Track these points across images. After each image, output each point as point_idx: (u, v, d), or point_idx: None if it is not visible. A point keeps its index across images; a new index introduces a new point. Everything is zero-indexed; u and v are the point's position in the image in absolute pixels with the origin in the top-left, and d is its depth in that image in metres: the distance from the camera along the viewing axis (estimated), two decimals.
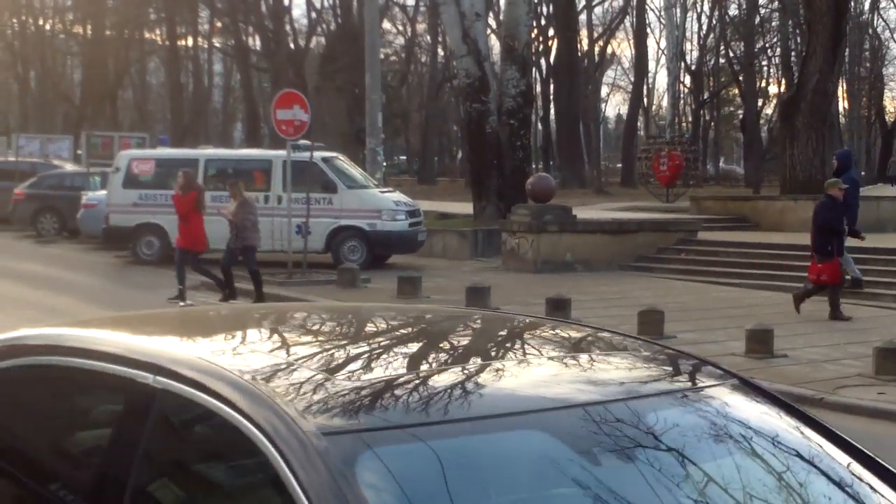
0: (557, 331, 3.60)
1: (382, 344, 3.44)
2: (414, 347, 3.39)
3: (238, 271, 17.40)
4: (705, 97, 70.46)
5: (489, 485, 2.46)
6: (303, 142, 20.76)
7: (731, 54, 66.28)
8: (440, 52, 67.22)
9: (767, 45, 65.27)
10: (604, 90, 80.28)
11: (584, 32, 65.10)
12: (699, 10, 69.56)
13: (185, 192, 17.52)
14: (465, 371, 2.95)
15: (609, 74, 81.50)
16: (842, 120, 67.50)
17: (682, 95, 69.19)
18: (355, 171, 23.71)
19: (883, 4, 67.29)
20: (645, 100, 72.94)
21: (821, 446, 2.90)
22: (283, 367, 2.90)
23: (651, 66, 74.50)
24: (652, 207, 33.76)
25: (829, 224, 15.46)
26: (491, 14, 48.68)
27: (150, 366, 2.85)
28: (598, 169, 62.15)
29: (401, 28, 73.66)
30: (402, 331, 3.68)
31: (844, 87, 62.83)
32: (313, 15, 64.55)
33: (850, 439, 2.99)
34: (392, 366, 3.06)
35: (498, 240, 22.77)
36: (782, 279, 18.73)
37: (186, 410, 2.74)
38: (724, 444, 2.79)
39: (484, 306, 15.15)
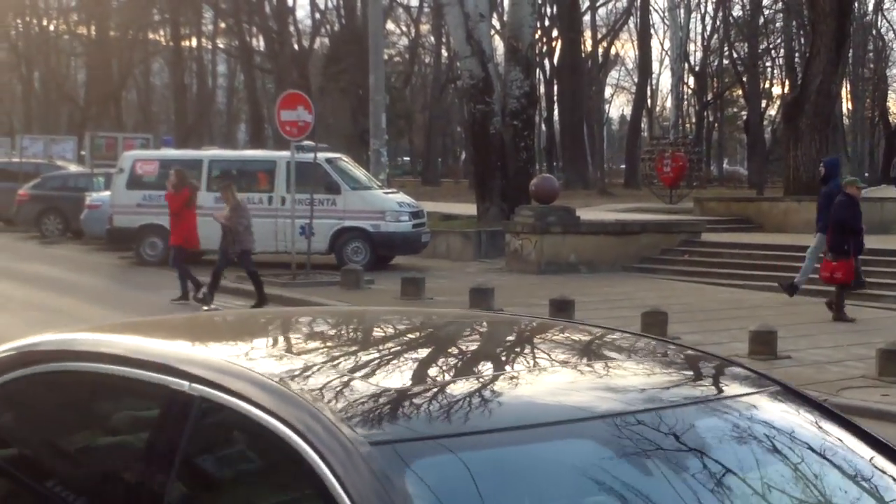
0: (589, 336, 3.55)
1: (417, 349, 3.40)
2: (449, 354, 3.33)
3: (234, 272, 17.38)
4: (709, 98, 70.44)
5: (538, 496, 2.40)
6: (307, 143, 20.76)
7: (735, 55, 66.26)
8: (444, 53, 67.23)
9: (771, 46, 65.28)
10: (607, 91, 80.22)
11: (587, 33, 65.00)
12: (703, 11, 69.63)
13: (178, 189, 17.65)
14: (505, 378, 2.90)
15: (613, 75, 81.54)
16: (845, 121, 67.48)
17: (685, 96, 69.11)
18: (359, 173, 23.72)
19: (887, 5, 67.28)
20: (648, 101, 72.92)
21: (870, 457, 2.83)
22: (320, 373, 2.85)
23: (655, 67, 74.54)
24: (655, 209, 33.77)
25: (846, 223, 15.40)
26: (495, 15, 48.68)
27: (186, 372, 2.80)
28: (601, 170, 62.12)
29: (405, 29, 73.68)
30: (435, 336, 3.63)
31: (848, 89, 62.77)
32: (317, 16, 64.64)
33: None
34: (431, 373, 3.02)
35: (501, 241, 22.76)
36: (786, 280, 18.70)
37: (225, 418, 2.69)
38: (769, 452, 2.73)
39: (488, 308, 15.16)
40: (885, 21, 70.56)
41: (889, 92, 72.56)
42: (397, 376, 2.90)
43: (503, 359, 3.27)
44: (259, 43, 61.49)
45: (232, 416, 2.62)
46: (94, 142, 38.96)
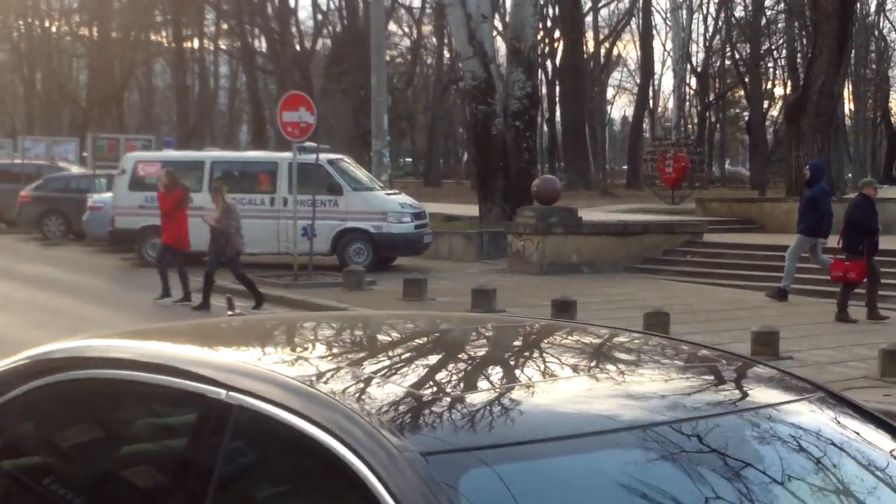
0: (632, 341, 3.49)
1: (453, 356, 3.32)
2: (485, 361, 3.26)
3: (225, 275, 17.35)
4: (711, 99, 70.44)
5: None
6: (309, 144, 20.77)
7: (737, 56, 66.24)
8: (446, 53, 67.26)
9: (773, 46, 65.24)
10: (609, 92, 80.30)
11: (589, 34, 65.05)
12: (705, 11, 69.66)
13: (170, 190, 17.67)
14: (551, 385, 2.84)
15: (615, 76, 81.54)
16: (847, 122, 67.42)
17: (687, 97, 69.17)
18: (361, 174, 23.72)
19: (889, 6, 67.40)
20: (651, 102, 72.93)
21: None
22: (357, 379, 2.79)
23: (657, 67, 74.68)
24: (657, 209, 33.79)
25: (863, 223, 15.40)
26: (497, 16, 48.69)
27: (222, 381, 2.70)
28: (603, 171, 62.11)
29: (407, 30, 73.78)
30: (467, 343, 3.54)
31: (850, 89, 62.70)
32: (319, 17, 64.73)
33: None
34: (469, 378, 2.96)
35: (503, 242, 22.77)
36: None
37: (264, 427, 2.58)
38: (817, 464, 2.63)
39: (490, 308, 15.17)
40: (887, 22, 70.66)
41: (891, 92, 72.51)
42: (435, 384, 2.82)
43: (544, 366, 3.16)
44: (261, 44, 61.56)
45: (272, 426, 2.54)
46: (96, 143, 38.95)
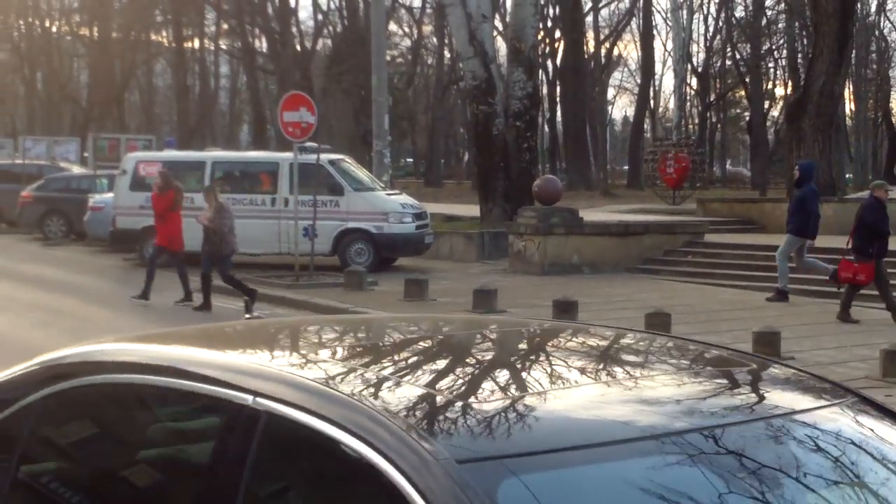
0: (663, 344, 3.43)
1: (480, 358, 3.29)
2: (515, 364, 3.22)
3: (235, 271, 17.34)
4: (712, 99, 70.43)
5: None
6: (309, 144, 20.77)
7: (738, 56, 66.22)
8: (447, 54, 67.26)
9: (774, 47, 65.22)
10: (610, 92, 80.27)
11: (590, 34, 65.09)
12: (706, 12, 69.65)
13: (163, 191, 17.68)
14: (577, 392, 2.81)
15: (616, 76, 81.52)
16: (848, 122, 67.39)
17: (688, 97, 69.14)
18: (362, 174, 23.72)
19: (890, 6, 67.40)
20: (651, 102, 72.91)
21: None
22: (389, 385, 2.74)
23: (658, 68, 74.78)
24: (658, 210, 33.80)
25: (873, 225, 15.37)
26: (497, 16, 48.69)
27: (248, 387, 2.65)
28: (604, 171, 62.14)
29: (407, 30, 73.77)
30: (493, 347, 3.53)
31: (851, 89, 62.64)
32: (320, 17, 64.73)
33: None
34: (499, 383, 2.92)
35: (504, 242, 22.77)
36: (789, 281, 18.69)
37: (293, 434, 2.52)
38: (853, 472, 2.57)
39: (491, 309, 15.18)
40: (887, 22, 70.62)
41: (892, 93, 72.46)
42: (466, 389, 2.78)
43: (568, 370, 3.08)
44: (262, 44, 61.54)
45: (301, 432, 2.49)
46: (97, 143, 39.01)
